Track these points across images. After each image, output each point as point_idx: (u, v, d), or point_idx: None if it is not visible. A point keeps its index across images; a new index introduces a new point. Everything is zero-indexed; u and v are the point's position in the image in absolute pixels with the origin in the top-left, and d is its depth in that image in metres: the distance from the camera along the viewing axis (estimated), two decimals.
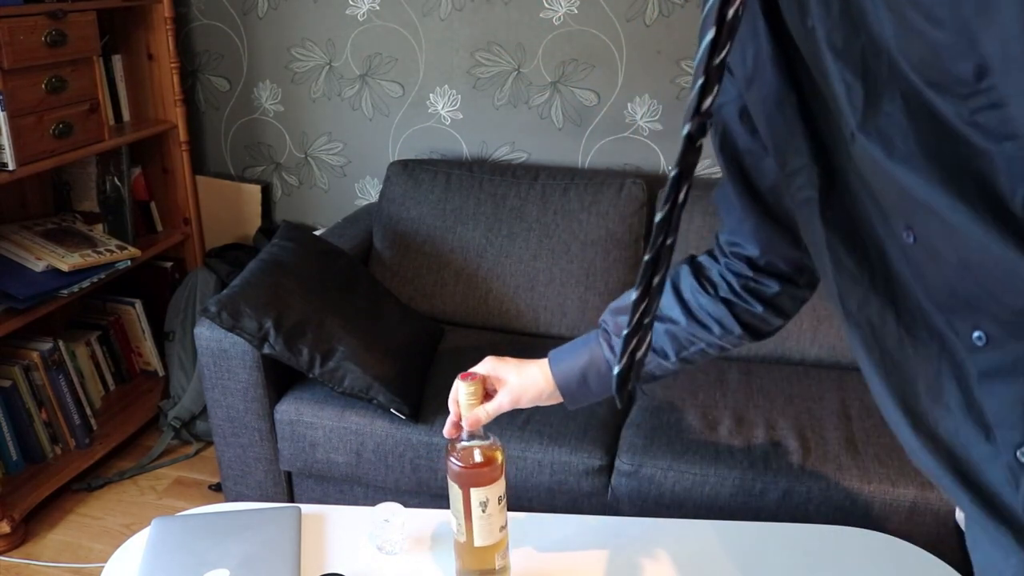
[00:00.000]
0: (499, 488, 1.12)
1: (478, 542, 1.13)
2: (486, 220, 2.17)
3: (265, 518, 1.27)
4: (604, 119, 2.35)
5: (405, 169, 2.27)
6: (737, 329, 1.03)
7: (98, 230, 2.35)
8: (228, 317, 1.68)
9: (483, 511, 1.11)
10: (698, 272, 1.05)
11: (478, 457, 1.11)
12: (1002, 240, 0.58)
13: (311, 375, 1.73)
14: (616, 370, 0.86)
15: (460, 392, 1.08)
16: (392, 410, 1.73)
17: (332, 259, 1.99)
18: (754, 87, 0.81)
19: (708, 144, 2.41)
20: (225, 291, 1.74)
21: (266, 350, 1.70)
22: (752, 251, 0.99)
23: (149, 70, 2.42)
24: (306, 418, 1.80)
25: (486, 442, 1.12)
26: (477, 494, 1.10)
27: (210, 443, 2.38)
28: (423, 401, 1.82)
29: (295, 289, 1.80)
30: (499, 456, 1.11)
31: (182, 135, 2.45)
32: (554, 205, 2.15)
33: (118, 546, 1.28)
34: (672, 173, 0.76)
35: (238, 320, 1.69)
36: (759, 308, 1.02)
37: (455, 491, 1.11)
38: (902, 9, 0.57)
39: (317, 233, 2.20)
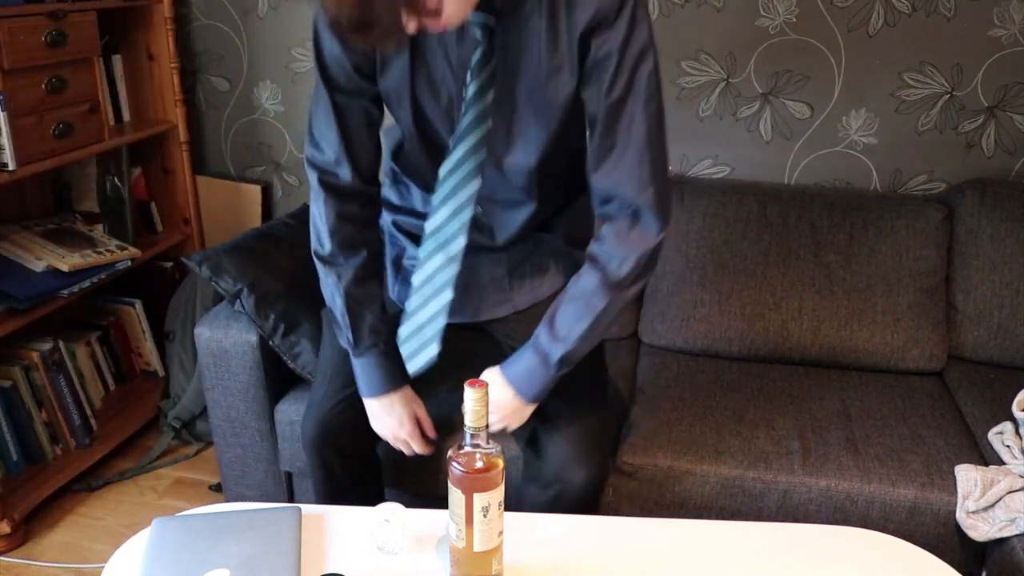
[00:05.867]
0: (500, 493, 1.12)
1: (478, 547, 1.13)
2: None
3: (265, 518, 1.27)
4: None
5: None
6: None
7: (98, 230, 2.34)
8: (207, 270, 1.77)
9: (484, 516, 1.11)
10: None
11: (480, 462, 1.11)
12: None
13: (271, 342, 1.79)
14: None
15: (468, 399, 1.08)
16: None
17: None
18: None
19: (705, 146, 2.43)
20: (213, 247, 1.84)
21: (237, 307, 1.78)
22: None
23: (149, 70, 2.41)
24: None
25: (488, 448, 1.12)
26: (480, 499, 1.10)
27: (210, 443, 2.38)
28: None
29: (283, 263, 1.88)
30: (500, 462, 1.12)
31: (182, 135, 2.45)
32: None
33: (118, 546, 1.29)
34: None
35: (217, 274, 1.77)
36: None
37: (457, 496, 1.11)
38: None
39: None
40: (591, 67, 1.16)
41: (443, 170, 1.25)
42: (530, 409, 1.38)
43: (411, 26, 0.99)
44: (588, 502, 1.45)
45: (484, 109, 1.19)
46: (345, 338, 1.42)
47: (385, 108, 1.32)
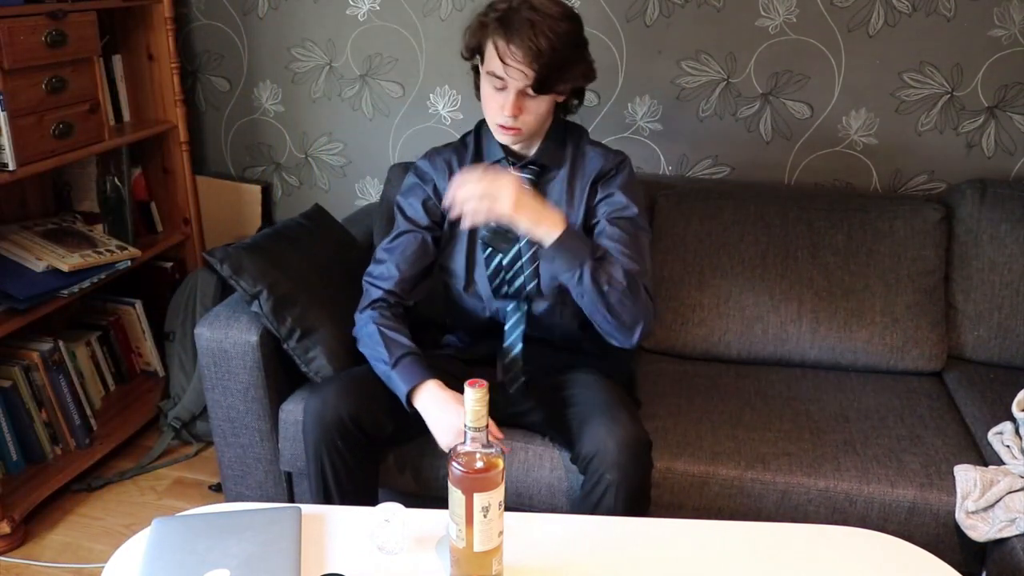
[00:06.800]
0: (500, 494, 1.12)
1: (478, 547, 1.13)
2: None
3: (265, 518, 1.27)
4: (605, 119, 2.35)
5: (406, 172, 2.26)
6: None
7: (98, 230, 2.34)
8: (228, 268, 1.75)
9: (484, 516, 1.11)
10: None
11: (480, 462, 1.11)
12: None
13: (285, 346, 1.77)
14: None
15: (468, 399, 1.08)
16: None
17: (346, 250, 2.03)
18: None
19: (705, 146, 2.46)
20: (233, 245, 1.81)
21: (254, 308, 1.76)
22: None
23: (149, 70, 2.41)
24: None
25: (488, 448, 1.12)
26: (480, 499, 1.10)
27: (210, 443, 2.38)
28: None
29: (299, 264, 1.86)
30: (500, 462, 1.12)
31: (182, 135, 2.45)
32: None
33: (118, 546, 1.29)
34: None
35: (238, 273, 1.75)
36: None
37: (457, 496, 1.11)
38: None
39: None
40: (598, 201, 1.63)
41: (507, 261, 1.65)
42: (528, 209, 1.45)
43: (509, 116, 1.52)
44: (631, 469, 1.45)
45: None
46: (381, 359, 1.57)
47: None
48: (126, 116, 2.44)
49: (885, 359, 1.99)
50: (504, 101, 1.51)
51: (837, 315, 2.00)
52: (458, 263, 1.69)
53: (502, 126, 1.55)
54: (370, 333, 1.60)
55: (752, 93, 2.24)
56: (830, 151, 2.26)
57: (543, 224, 1.46)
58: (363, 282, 1.69)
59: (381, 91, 2.48)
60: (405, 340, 1.59)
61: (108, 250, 2.22)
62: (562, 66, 1.49)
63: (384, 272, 1.66)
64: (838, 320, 2.00)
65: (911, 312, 1.99)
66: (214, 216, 2.66)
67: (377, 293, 1.65)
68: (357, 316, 1.66)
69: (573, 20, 1.54)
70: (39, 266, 2.06)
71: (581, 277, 1.48)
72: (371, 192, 2.60)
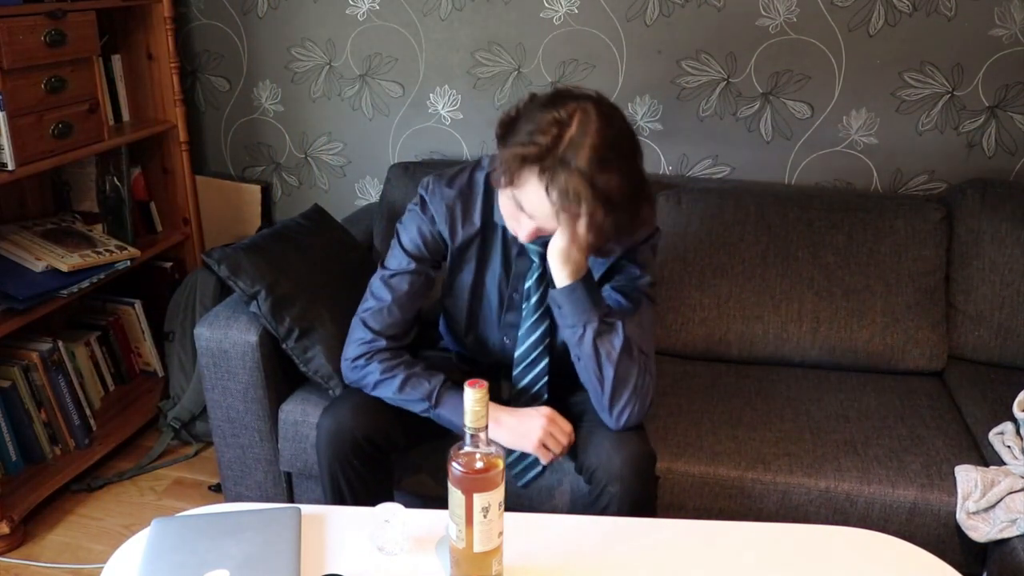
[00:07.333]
0: (500, 494, 1.12)
1: (478, 548, 1.13)
2: None
3: (265, 518, 1.27)
4: None
5: (406, 172, 2.26)
6: None
7: (98, 230, 2.34)
8: (226, 268, 1.75)
9: (484, 516, 1.11)
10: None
11: (480, 463, 1.11)
12: None
13: (284, 346, 1.77)
14: None
15: (468, 399, 1.08)
16: None
17: (345, 250, 2.02)
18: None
19: (705, 146, 2.44)
20: (231, 246, 1.80)
21: (252, 308, 1.76)
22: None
23: (149, 70, 2.41)
24: (311, 419, 1.79)
25: (488, 449, 1.12)
26: (480, 499, 1.10)
27: (210, 444, 2.38)
28: None
29: (298, 264, 1.86)
30: (500, 462, 1.11)
31: (182, 135, 2.45)
32: None
33: (118, 547, 1.29)
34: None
35: (236, 274, 1.75)
36: None
37: (457, 496, 1.11)
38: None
39: None
40: (617, 270, 1.54)
41: (520, 332, 1.58)
42: (569, 247, 1.38)
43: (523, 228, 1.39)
44: (635, 482, 1.44)
45: (545, 307, 1.55)
46: (421, 395, 1.51)
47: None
48: (125, 116, 2.43)
49: (886, 359, 1.99)
50: (529, 228, 1.38)
51: (837, 315, 2.00)
52: (460, 311, 1.66)
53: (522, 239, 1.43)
54: (388, 382, 1.53)
55: (752, 93, 2.24)
56: (830, 151, 2.26)
57: (567, 265, 1.40)
58: (360, 319, 1.58)
59: (381, 91, 2.48)
60: (429, 373, 1.54)
61: (107, 250, 2.21)
62: (618, 226, 1.34)
63: (385, 315, 1.56)
64: (838, 320, 1.99)
65: (912, 312, 1.99)
66: (214, 216, 2.66)
67: (379, 343, 1.56)
68: (359, 363, 1.57)
69: (631, 153, 1.33)
70: (38, 266, 2.05)
71: (583, 336, 1.42)
72: (371, 192, 2.60)
